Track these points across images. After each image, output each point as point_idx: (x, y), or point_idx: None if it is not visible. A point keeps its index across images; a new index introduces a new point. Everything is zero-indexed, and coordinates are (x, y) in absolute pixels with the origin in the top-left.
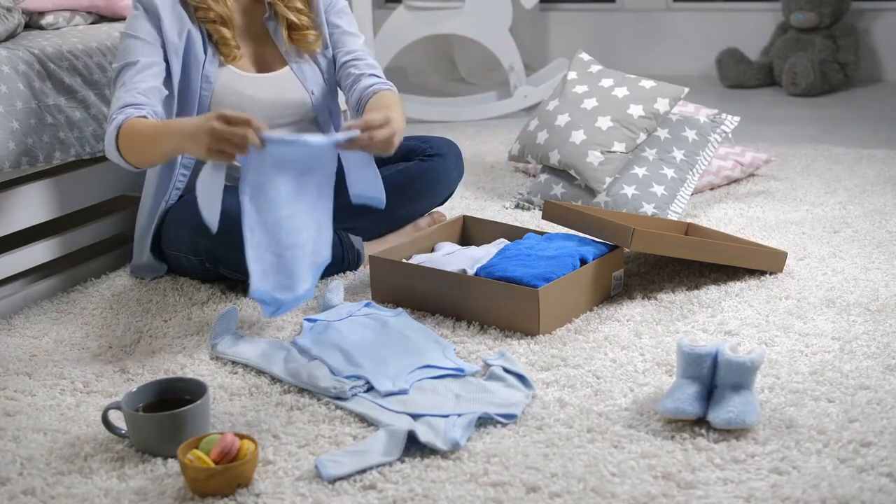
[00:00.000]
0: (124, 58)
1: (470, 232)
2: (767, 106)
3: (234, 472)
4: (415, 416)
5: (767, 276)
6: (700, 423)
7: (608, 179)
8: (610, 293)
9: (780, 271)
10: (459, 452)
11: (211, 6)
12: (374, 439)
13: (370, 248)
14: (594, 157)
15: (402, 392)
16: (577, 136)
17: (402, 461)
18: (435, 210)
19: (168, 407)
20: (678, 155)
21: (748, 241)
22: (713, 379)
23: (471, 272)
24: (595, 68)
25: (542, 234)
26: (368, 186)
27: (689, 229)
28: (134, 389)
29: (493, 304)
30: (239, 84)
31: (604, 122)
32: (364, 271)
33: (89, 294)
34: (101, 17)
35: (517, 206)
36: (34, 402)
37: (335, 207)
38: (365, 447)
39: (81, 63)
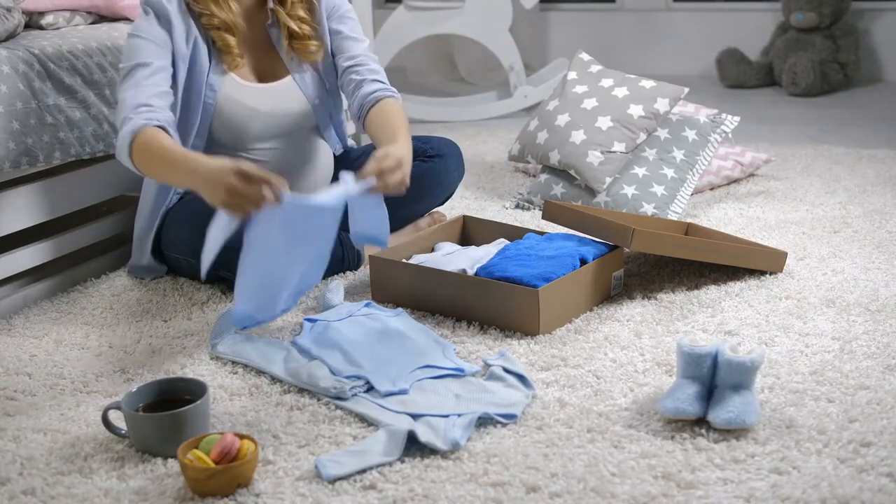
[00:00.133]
0: (135, 58)
1: (470, 232)
2: (767, 106)
3: (234, 472)
4: (415, 416)
5: (767, 276)
6: (700, 423)
7: (608, 179)
8: (610, 293)
9: (780, 271)
10: (459, 452)
11: (215, 13)
12: (374, 439)
13: (370, 248)
14: (594, 157)
15: (402, 392)
16: (577, 136)
17: (402, 461)
18: (435, 210)
19: (168, 407)
20: (678, 155)
21: (748, 241)
22: (713, 379)
23: (471, 272)
24: (595, 68)
25: (542, 234)
26: (373, 227)
27: (689, 229)
28: (134, 389)
29: (493, 304)
30: (240, 94)
31: (604, 122)
32: (364, 271)
33: (89, 294)
34: (101, 17)
35: (517, 206)
36: (34, 402)
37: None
38: (365, 447)
39: (81, 63)
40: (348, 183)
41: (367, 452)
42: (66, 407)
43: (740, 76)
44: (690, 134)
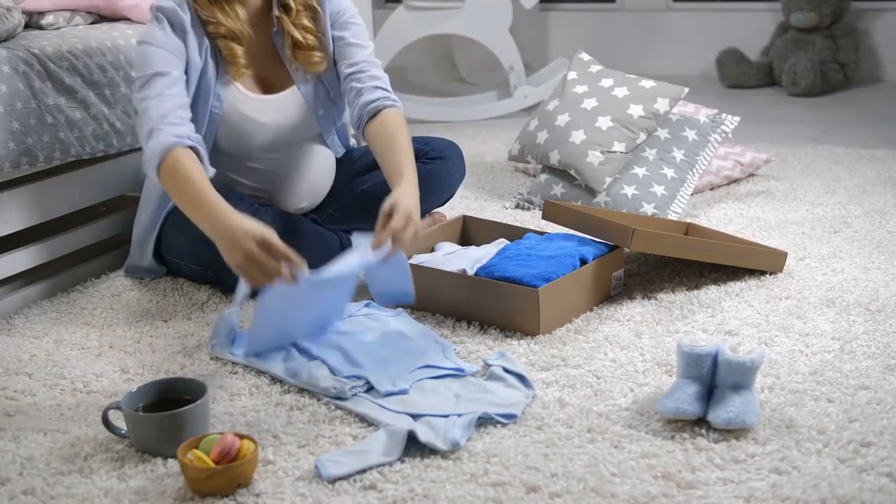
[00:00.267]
0: (152, 67)
1: (470, 232)
2: (767, 106)
3: (234, 472)
4: (415, 416)
5: (767, 276)
6: (700, 423)
7: (608, 179)
8: (610, 293)
9: (780, 271)
10: (459, 452)
11: (221, 21)
12: (374, 439)
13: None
14: (594, 157)
15: (402, 392)
16: (577, 136)
17: (402, 461)
18: (435, 210)
19: (168, 407)
20: (678, 155)
21: (748, 241)
22: (713, 379)
23: (471, 272)
24: (595, 68)
25: (542, 234)
26: (396, 283)
27: (689, 229)
28: (134, 389)
29: (493, 304)
30: (244, 106)
31: (604, 122)
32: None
33: (89, 294)
34: (101, 17)
35: (517, 206)
36: (34, 402)
37: (335, 207)
38: (365, 447)
39: (81, 63)
40: (364, 251)
41: (367, 452)
42: (66, 407)
43: (740, 76)
44: (690, 134)
